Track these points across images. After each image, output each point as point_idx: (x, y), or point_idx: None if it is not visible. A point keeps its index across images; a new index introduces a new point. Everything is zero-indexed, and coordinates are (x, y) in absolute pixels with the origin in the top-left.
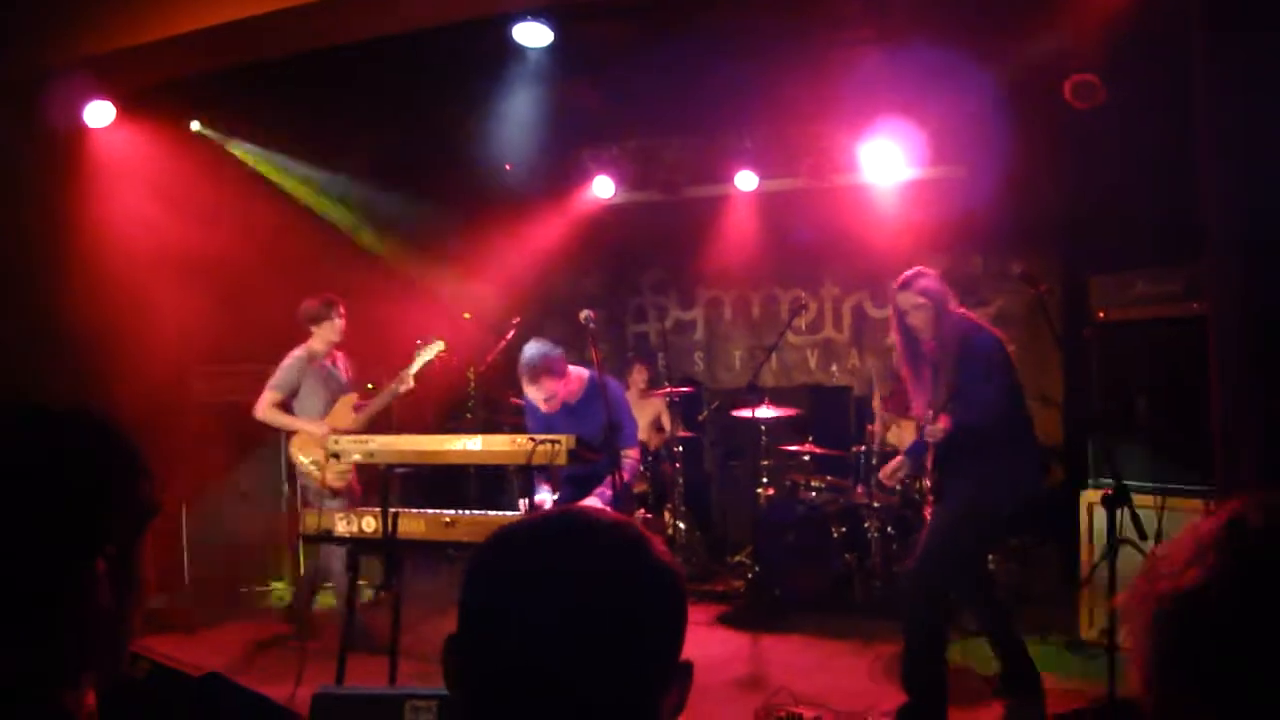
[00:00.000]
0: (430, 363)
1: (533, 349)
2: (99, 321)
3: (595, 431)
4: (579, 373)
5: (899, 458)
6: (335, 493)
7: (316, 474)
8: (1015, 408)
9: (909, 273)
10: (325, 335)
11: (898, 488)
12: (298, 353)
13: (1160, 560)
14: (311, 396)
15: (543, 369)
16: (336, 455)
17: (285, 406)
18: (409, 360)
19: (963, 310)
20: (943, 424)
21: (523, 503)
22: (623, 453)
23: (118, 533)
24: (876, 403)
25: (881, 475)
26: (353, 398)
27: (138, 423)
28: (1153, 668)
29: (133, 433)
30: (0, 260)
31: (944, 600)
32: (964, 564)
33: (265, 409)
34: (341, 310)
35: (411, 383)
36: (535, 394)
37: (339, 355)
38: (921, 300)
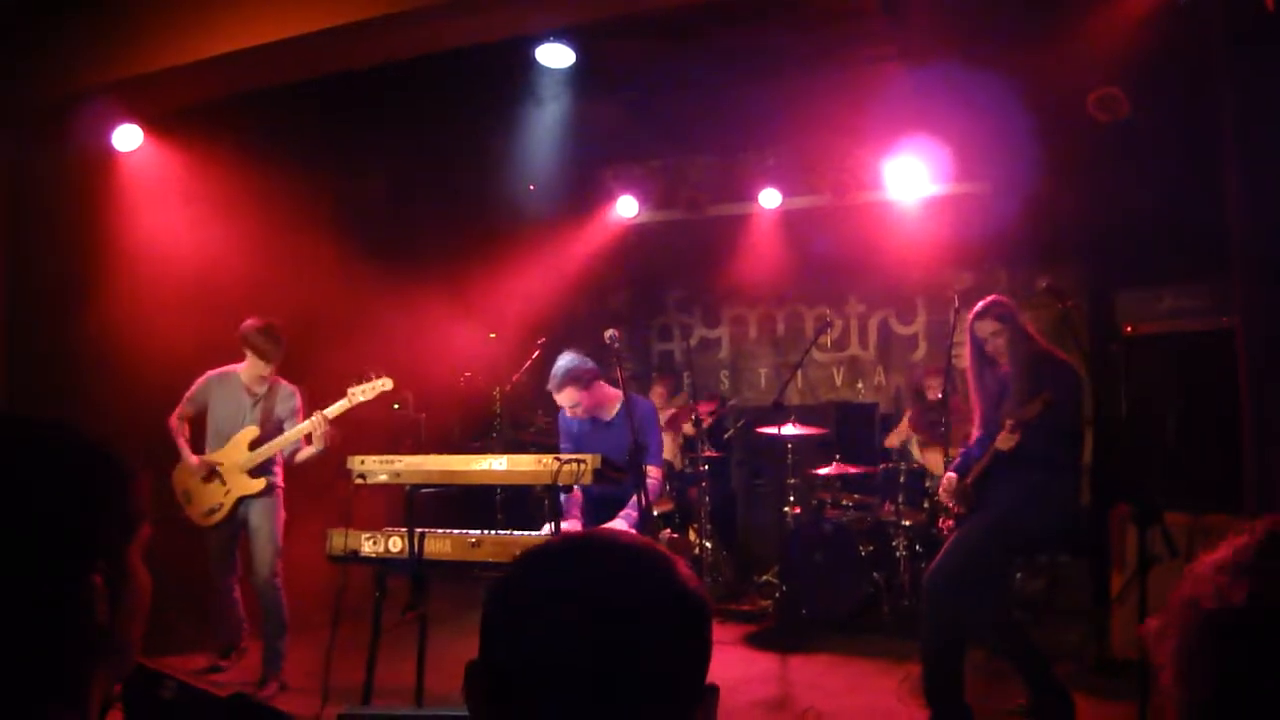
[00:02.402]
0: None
1: (564, 359)
2: (128, 338)
3: (624, 451)
4: (615, 391)
5: (950, 475)
6: (202, 530)
7: (185, 506)
8: (1075, 434)
9: (985, 301)
10: (252, 366)
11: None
12: (211, 373)
13: (1199, 577)
14: (224, 422)
15: (569, 379)
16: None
17: (200, 423)
18: (376, 390)
19: (1039, 339)
20: (1018, 437)
21: (548, 526)
22: (646, 470)
23: (109, 544)
24: (904, 424)
25: (944, 497)
26: (253, 431)
27: (164, 438)
28: (1192, 685)
29: (122, 444)
30: (32, 281)
31: (963, 609)
32: (985, 576)
33: (173, 418)
34: (260, 345)
35: (321, 430)
36: (562, 401)
37: (284, 387)
38: (999, 326)
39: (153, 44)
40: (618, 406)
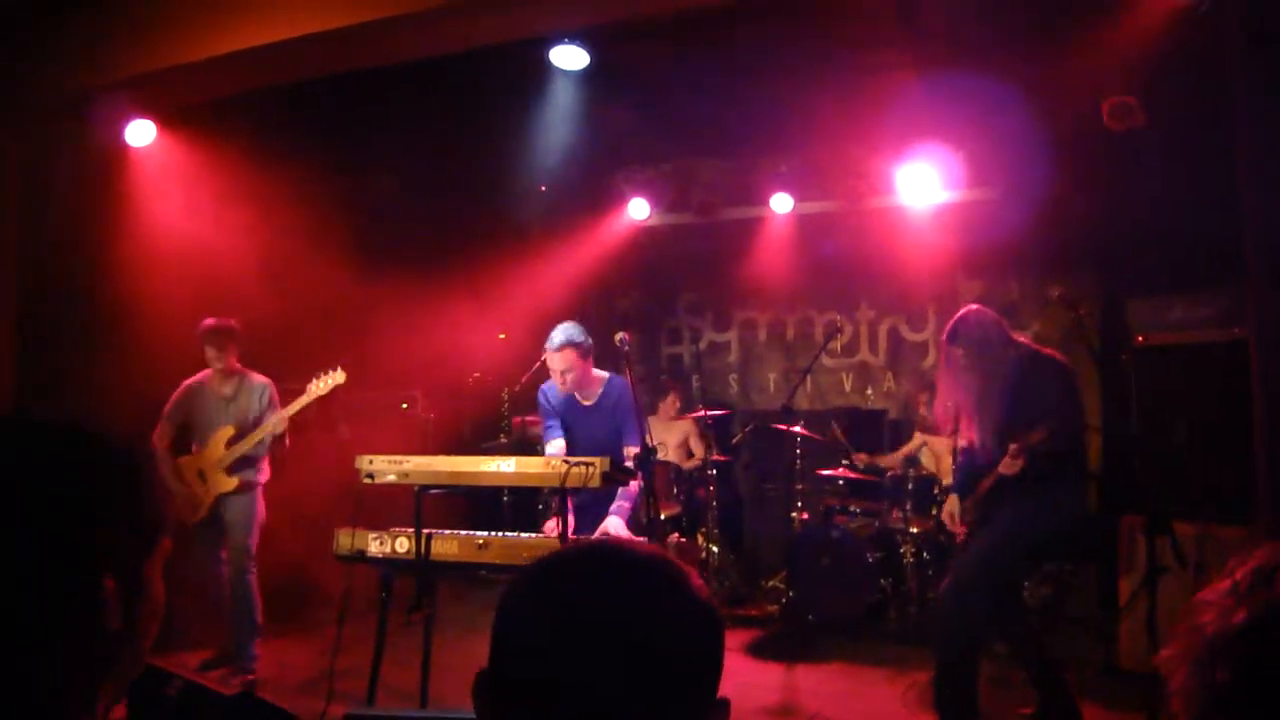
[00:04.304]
0: (471, 385)
1: (567, 324)
2: (140, 332)
3: (608, 433)
4: (599, 374)
5: (952, 498)
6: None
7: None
8: (1076, 435)
9: (951, 324)
10: (209, 364)
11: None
12: (186, 383)
13: (1205, 603)
14: (203, 426)
15: (568, 341)
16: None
17: (185, 438)
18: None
19: (1022, 339)
20: (1021, 462)
21: (547, 525)
22: (625, 449)
23: (124, 551)
24: (915, 437)
25: (948, 523)
26: (229, 431)
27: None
28: (1204, 708)
29: (139, 448)
30: (45, 275)
31: (977, 622)
32: (1000, 586)
33: (155, 437)
34: (215, 342)
35: (283, 426)
36: (555, 363)
37: (255, 382)
38: (971, 349)
39: (167, 40)
40: (599, 390)
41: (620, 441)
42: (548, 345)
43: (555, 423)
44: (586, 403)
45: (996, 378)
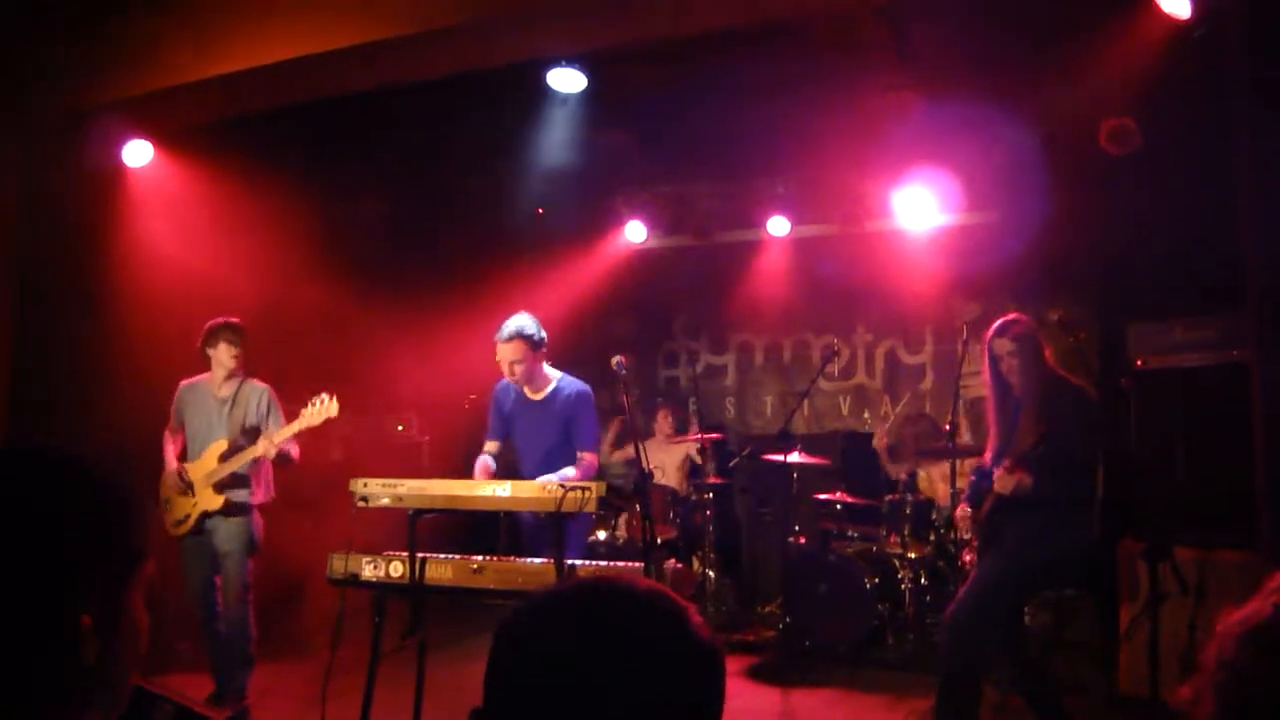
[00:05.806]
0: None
1: (521, 316)
2: (135, 351)
3: (551, 432)
4: (551, 372)
5: (964, 506)
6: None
7: (164, 514)
8: (1084, 465)
9: (1005, 319)
10: (216, 364)
11: (967, 536)
12: (184, 382)
13: (1233, 637)
14: (197, 430)
15: (517, 332)
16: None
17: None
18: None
19: (1054, 364)
20: (1018, 477)
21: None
22: (580, 455)
23: (104, 582)
24: (879, 441)
25: (958, 520)
26: (222, 445)
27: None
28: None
29: (120, 474)
30: (41, 293)
31: (980, 648)
32: (1004, 613)
33: (166, 431)
34: (228, 338)
35: (272, 452)
36: (505, 353)
37: (255, 386)
38: (1014, 346)
39: (165, 61)
40: (549, 388)
41: (565, 443)
42: (497, 336)
43: (498, 422)
44: (535, 398)
45: (1038, 386)
